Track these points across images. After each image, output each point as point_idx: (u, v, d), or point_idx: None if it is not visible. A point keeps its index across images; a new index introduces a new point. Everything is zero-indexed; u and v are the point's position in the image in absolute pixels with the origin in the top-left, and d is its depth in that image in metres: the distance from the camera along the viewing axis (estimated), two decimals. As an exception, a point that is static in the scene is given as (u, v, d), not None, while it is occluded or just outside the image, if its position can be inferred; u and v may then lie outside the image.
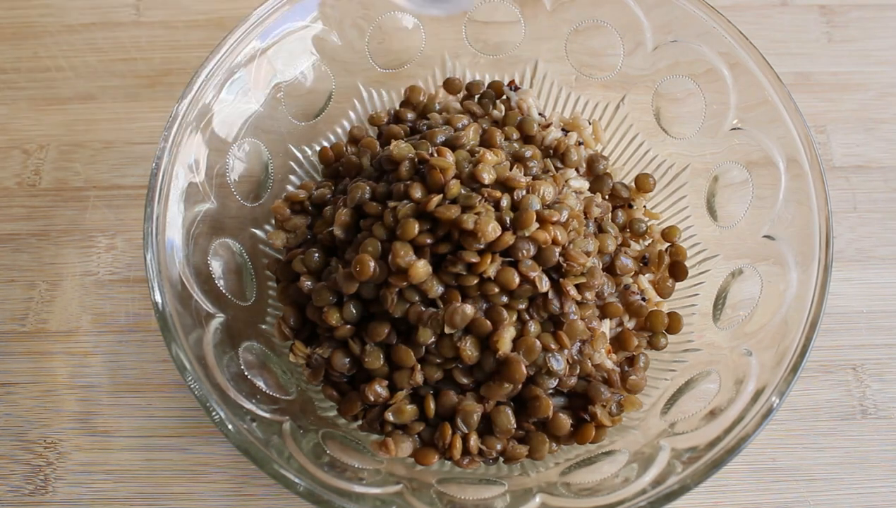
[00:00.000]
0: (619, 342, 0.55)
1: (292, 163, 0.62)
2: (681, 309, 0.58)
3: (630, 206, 0.61)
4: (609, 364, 0.54)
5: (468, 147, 0.53)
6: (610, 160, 0.63)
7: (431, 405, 0.51)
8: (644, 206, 0.62)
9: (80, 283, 0.64)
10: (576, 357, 0.51)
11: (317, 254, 0.54)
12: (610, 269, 0.55)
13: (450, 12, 0.56)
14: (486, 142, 0.55)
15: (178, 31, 0.74)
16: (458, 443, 0.50)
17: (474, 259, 0.48)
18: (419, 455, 0.51)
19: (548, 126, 0.60)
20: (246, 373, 0.51)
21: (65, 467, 0.58)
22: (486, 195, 0.49)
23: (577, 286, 0.51)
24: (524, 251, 0.49)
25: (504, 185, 0.50)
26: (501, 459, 0.52)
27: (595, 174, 0.60)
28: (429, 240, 0.48)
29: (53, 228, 0.67)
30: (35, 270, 0.65)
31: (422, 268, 0.48)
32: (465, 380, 0.51)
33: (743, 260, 0.55)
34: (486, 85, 0.64)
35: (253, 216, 0.59)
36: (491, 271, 0.48)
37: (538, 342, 0.49)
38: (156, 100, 0.71)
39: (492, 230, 0.47)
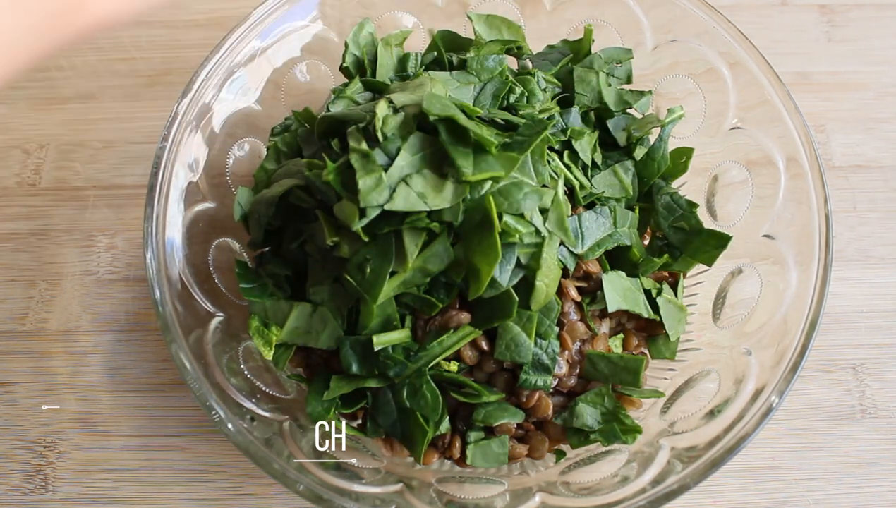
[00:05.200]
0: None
1: (292, 163, 0.62)
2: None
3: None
4: (609, 363, 0.54)
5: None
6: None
7: (431, 404, 0.51)
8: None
9: (79, 283, 0.64)
10: (576, 357, 0.51)
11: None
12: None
13: None
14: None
15: (178, 31, 0.74)
16: (458, 443, 0.50)
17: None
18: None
19: None
20: (246, 373, 0.51)
21: (65, 466, 0.58)
22: None
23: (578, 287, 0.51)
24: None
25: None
26: (501, 458, 0.52)
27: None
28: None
29: (53, 228, 0.66)
30: (35, 270, 0.65)
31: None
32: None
33: (742, 259, 0.55)
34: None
35: (253, 215, 0.59)
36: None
37: (538, 341, 0.49)
38: (156, 100, 0.71)
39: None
